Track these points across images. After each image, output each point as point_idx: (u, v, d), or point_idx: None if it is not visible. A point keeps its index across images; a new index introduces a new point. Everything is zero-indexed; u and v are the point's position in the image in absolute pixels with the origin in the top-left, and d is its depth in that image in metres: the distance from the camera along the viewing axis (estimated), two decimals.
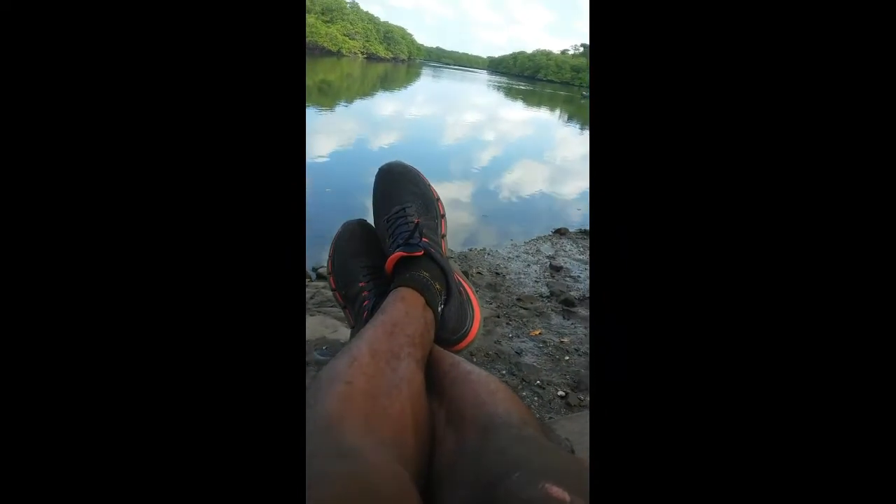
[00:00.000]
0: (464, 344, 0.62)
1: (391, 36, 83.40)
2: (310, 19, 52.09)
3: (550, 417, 1.19)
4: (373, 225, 0.72)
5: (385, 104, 10.53)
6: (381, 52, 75.54)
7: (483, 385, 0.44)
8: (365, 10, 75.31)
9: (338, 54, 53.54)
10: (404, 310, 0.52)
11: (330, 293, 1.67)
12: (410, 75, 31.14)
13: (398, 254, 0.59)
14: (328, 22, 58.72)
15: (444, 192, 3.62)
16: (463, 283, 0.67)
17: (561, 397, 1.27)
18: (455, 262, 2.39)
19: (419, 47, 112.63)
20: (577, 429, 0.96)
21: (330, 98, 10.16)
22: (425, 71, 47.40)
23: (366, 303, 0.62)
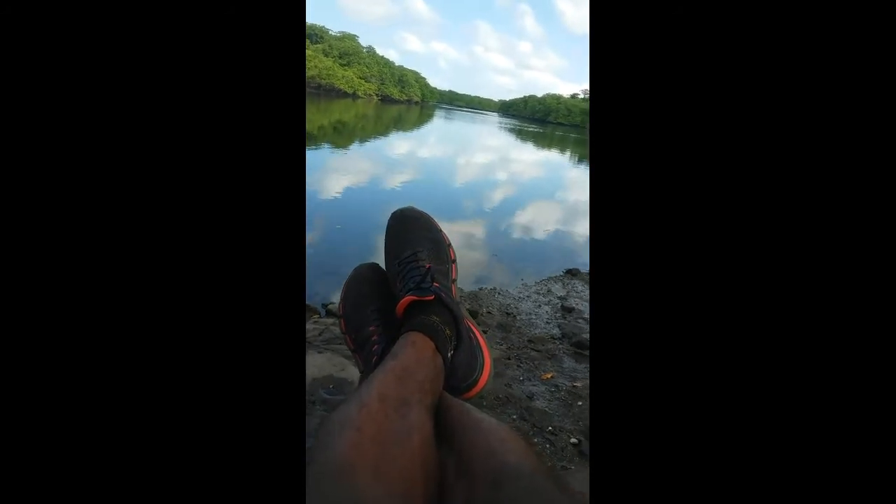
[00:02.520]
0: (473, 392, 0.61)
1: (405, 79, 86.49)
2: (327, 62, 54.29)
3: (563, 466, 1.15)
4: (384, 268, 0.73)
5: (398, 144, 10.80)
6: (396, 95, 78.19)
7: (494, 433, 0.43)
8: (381, 54, 78.61)
9: (353, 96, 55.51)
10: (414, 355, 0.51)
11: (338, 331, 1.67)
12: (423, 117, 32.05)
13: (409, 298, 0.59)
14: (345, 65, 61.17)
15: (456, 230, 3.63)
16: (473, 328, 0.67)
17: (574, 445, 1.23)
18: (465, 301, 2.38)
19: (432, 90, 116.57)
20: None
21: (345, 138, 10.46)
22: (438, 113, 48.82)
23: (375, 347, 0.62)
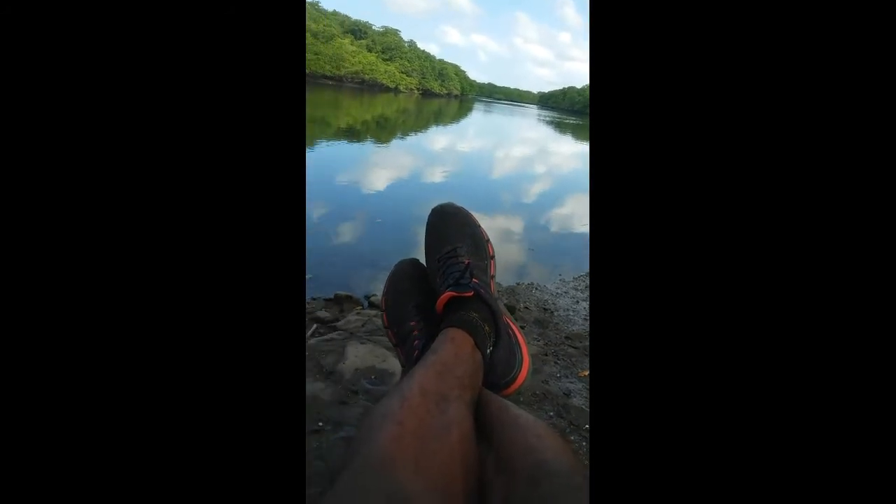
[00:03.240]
0: (512, 389, 0.62)
1: (445, 73, 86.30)
2: (370, 57, 54.91)
3: None
4: (425, 264, 0.74)
5: (438, 138, 10.81)
6: (436, 88, 78.18)
7: (532, 430, 0.44)
8: (422, 48, 78.78)
9: (395, 90, 55.95)
10: (454, 351, 0.53)
11: (380, 322, 1.71)
12: (463, 110, 31.91)
13: (449, 294, 0.61)
14: (387, 60, 61.66)
15: (494, 224, 3.61)
16: (511, 325, 0.68)
17: None
18: (502, 296, 2.38)
19: (472, 83, 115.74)
20: None
21: (387, 132, 10.57)
22: (477, 106, 48.44)
23: (416, 342, 0.63)
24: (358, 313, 2.12)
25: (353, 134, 8.61)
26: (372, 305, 2.24)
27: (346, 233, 3.21)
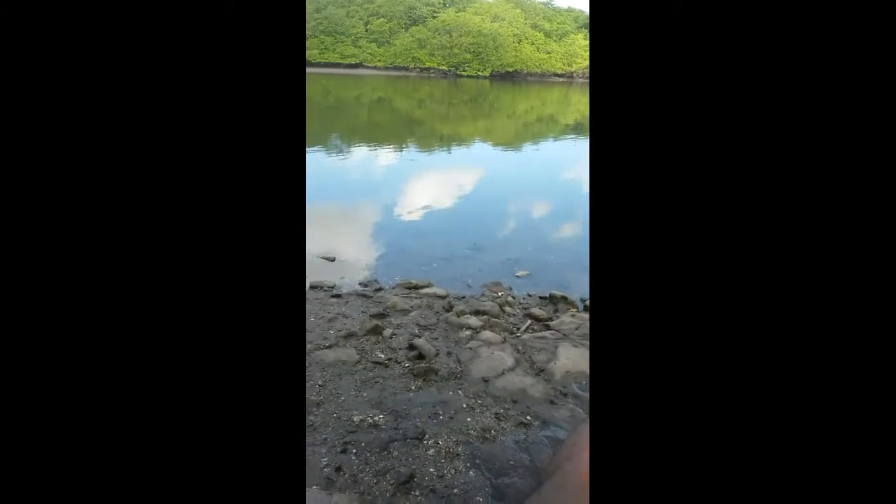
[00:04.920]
0: None
1: None
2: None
3: None
4: None
5: None
6: None
7: None
8: None
9: None
10: None
11: None
12: None
13: None
14: None
15: None
16: None
17: None
18: None
19: None
20: None
21: None
22: None
23: None
24: (573, 315, 2.08)
25: (579, 129, 8.45)
26: (587, 309, 2.18)
27: (567, 232, 3.18)
